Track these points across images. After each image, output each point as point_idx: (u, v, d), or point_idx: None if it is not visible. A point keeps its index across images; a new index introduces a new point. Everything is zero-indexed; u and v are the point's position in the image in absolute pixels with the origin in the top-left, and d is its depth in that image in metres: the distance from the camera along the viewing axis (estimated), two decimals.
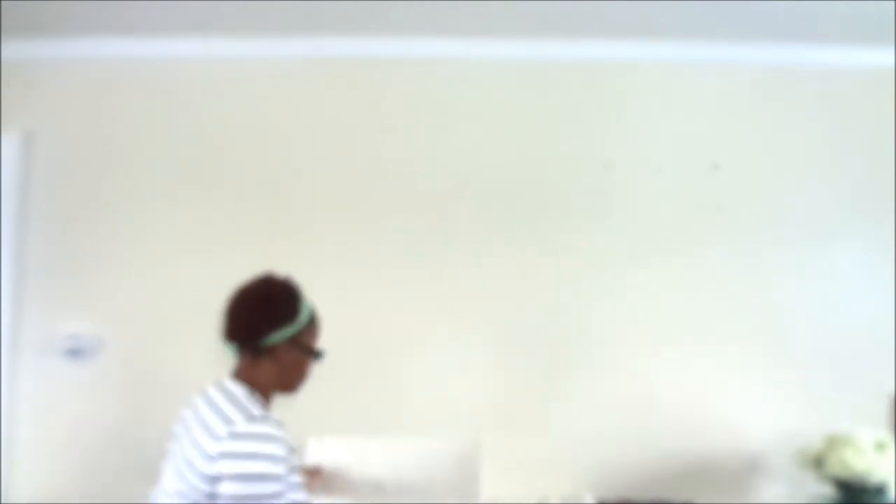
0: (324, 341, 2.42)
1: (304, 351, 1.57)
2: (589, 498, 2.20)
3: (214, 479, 1.40)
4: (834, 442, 2.10)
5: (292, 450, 1.48)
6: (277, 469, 1.42)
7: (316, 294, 2.40)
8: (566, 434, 2.42)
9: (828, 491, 2.17)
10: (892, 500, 2.05)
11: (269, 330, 1.52)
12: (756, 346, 2.45)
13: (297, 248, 2.46)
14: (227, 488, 1.39)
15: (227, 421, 1.44)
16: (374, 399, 2.42)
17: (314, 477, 1.87)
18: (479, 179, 2.49)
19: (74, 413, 2.40)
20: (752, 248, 2.49)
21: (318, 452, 1.99)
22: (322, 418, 2.35)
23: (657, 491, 2.37)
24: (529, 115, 2.53)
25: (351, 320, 2.41)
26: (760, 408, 2.43)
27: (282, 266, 2.42)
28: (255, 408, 1.47)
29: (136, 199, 2.48)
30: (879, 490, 2.05)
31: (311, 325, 1.60)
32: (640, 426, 2.41)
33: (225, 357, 2.40)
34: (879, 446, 2.06)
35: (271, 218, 2.48)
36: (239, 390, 1.51)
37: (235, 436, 1.41)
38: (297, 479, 1.49)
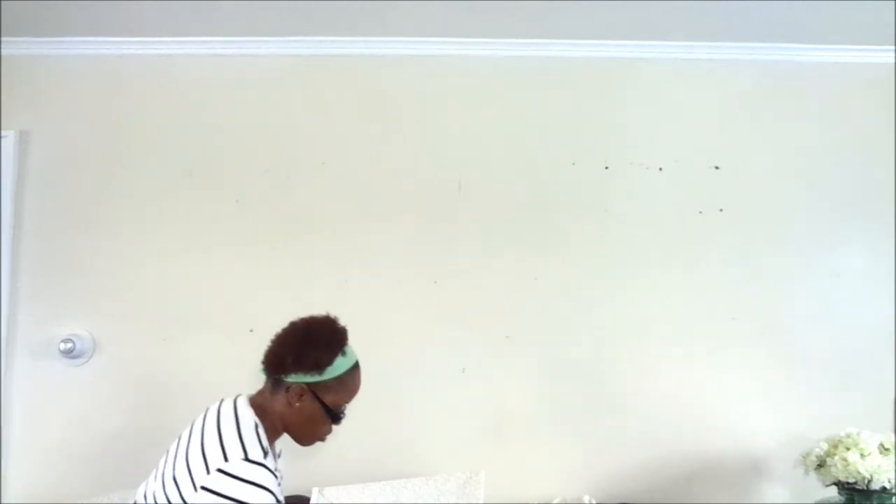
0: None
1: (321, 405, 1.53)
2: (591, 501, 2.18)
3: None
4: (837, 444, 2.08)
5: (280, 502, 1.44)
6: None
7: (315, 293, 2.41)
8: (567, 436, 2.40)
9: (831, 494, 2.15)
10: None
11: (292, 369, 1.51)
12: (758, 347, 2.44)
13: (296, 248, 2.45)
14: None
15: (223, 453, 1.41)
16: (374, 401, 2.39)
17: None
18: (479, 180, 2.48)
19: (69, 414, 2.38)
20: (753, 249, 2.48)
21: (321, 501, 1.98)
22: None
23: (659, 494, 2.35)
24: (530, 115, 2.52)
25: (350, 320, 2.39)
26: (763, 410, 2.41)
27: (280, 266, 2.42)
28: (255, 447, 1.43)
29: (132, 199, 2.47)
30: (884, 493, 2.03)
31: (339, 384, 1.55)
32: (642, 429, 2.40)
33: (218, 357, 2.40)
34: (884, 449, 2.04)
35: (269, 219, 2.47)
36: (248, 419, 1.48)
37: (224, 473, 1.38)
38: None
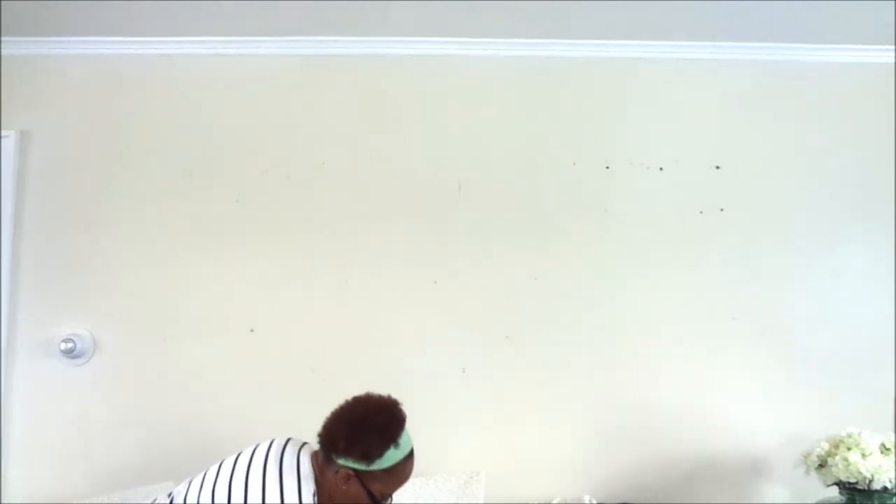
0: (323, 341, 2.42)
1: (367, 492, 1.54)
2: (591, 501, 2.18)
3: None
4: (839, 444, 2.08)
5: None
6: None
7: (315, 293, 2.41)
8: (568, 436, 2.40)
9: (832, 494, 2.15)
10: None
11: (342, 454, 1.53)
12: (758, 347, 2.44)
13: (296, 248, 2.45)
14: None
15: None
16: None
17: None
18: (479, 180, 2.48)
19: (69, 414, 2.37)
20: (753, 249, 2.48)
21: None
22: (321, 417, 2.34)
23: (659, 494, 2.35)
24: (530, 115, 2.52)
25: (350, 320, 2.40)
26: (763, 410, 2.41)
27: (280, 266, 2.42)
28: None
29: (133, 199, 2.47)
30: (885, 493, 2.03)
31: (387, 475, 1.55)
32: (642, 429, 2.39)
33: (218, 357, 2.40)
34: (885, 449, 2.04)
35: (268, 219, 2.46)
36: (309, 486, 1.51)
37: None
38: None
